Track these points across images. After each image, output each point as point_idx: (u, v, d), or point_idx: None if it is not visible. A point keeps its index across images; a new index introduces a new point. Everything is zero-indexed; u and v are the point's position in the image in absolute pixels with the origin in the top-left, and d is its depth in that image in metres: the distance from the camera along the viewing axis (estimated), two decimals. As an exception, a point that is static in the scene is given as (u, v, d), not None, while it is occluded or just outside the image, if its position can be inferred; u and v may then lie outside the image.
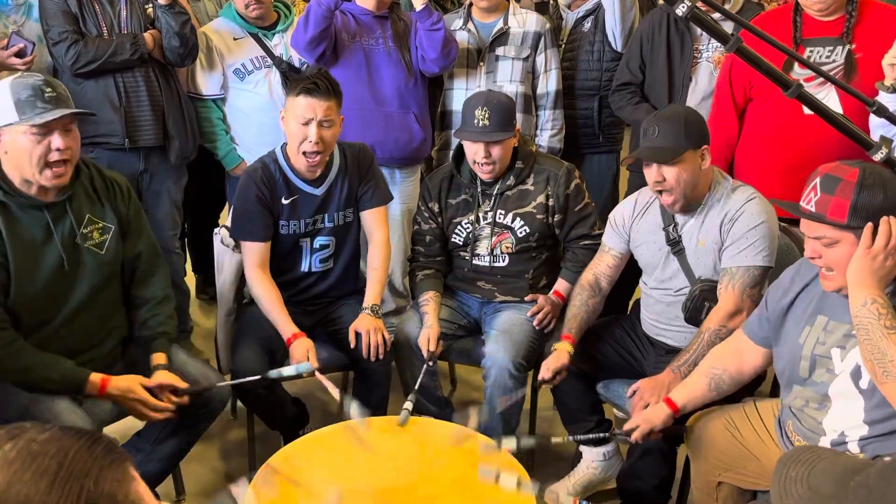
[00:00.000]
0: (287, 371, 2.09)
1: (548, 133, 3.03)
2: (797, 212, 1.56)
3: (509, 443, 1.81)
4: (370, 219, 2.45)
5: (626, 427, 1.89)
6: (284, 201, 2.35)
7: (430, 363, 2.31)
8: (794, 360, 1.67)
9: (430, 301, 2.42)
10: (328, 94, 2.21)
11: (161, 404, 1.93)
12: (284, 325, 2.27)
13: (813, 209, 1.52)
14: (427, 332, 2.32)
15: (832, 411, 1.61)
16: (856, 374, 1.56)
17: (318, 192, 2.37)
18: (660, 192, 2.04)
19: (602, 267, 2.29)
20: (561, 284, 2.44)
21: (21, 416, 1.87)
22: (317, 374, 2.16)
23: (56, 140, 1.79)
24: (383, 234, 2.46)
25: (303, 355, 2.19)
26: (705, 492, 1.88)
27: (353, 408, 1.91)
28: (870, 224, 1.46)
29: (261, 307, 2.31)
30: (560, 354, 2.16)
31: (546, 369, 2.14)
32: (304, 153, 2.26)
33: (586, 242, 2.43)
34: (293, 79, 2.27)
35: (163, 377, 1.98)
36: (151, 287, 2.12)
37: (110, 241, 2.00)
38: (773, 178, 2.41)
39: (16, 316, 1.86)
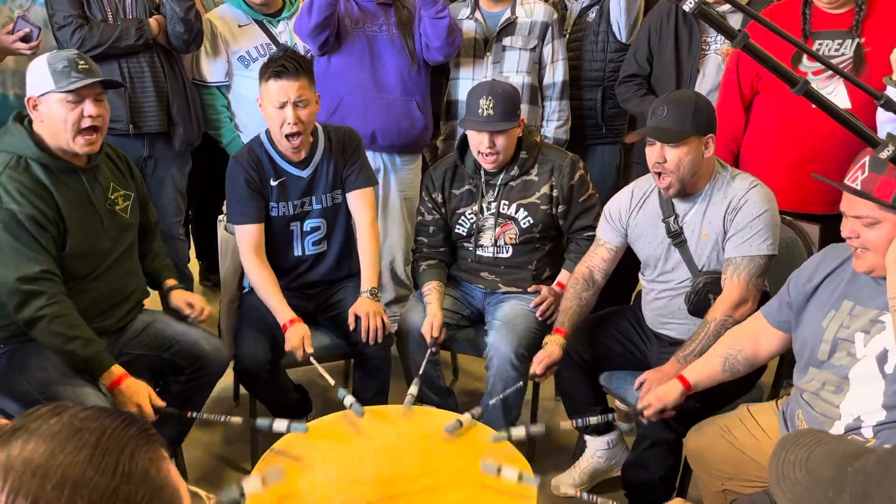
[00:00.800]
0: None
1: (554, 124, 3.02)
2: (841, 186, 1.54)
3: (517, 431, 1.81)
4: (354, 201, 2.44)
5: (639, 405, 1.89)
6: (273, 183, 2.36)
7: (433, 349, 2.31)
8: (814, 344, 1.66)
9: (433, 291, 2.42)
10: (297, 74, 2.21)
11: (152, 414, 1.96)
12: (281, 310, 2.27)
13: (859, 187, 1.51)
14: (430, 320, 2.32)
15: (850, 395, 1.60)
16: (882, 359, 1.55)
17: (304, 174, 2.38)
18: (658, 173, 2.03)
19: (596, 260, 2.28)
20: (564, 276, 2.43)
21: (40, 389, 1.91)
22: (311, 360, 2.18)
23: (88, 107, 1.92)
24: (368, 216, 2.45)
25: (298, 341, 2.20)
26: None
27: (347, 399, 1.93)
28: None
29: (257, 293, 2.32)
30: (551, 348, 2.16)
31: (537, 363, 2.14)
32: (286, 136, 2.26)
33: (590, 234, 2.42)
34: (262, 66, 2.28)
35: (178, 295, 2.28)
36: (154, 246, 2.36)
37: (132, 207, 2.17)
38: (780, 172, 2.40)
39: (61, 270, 1.95)
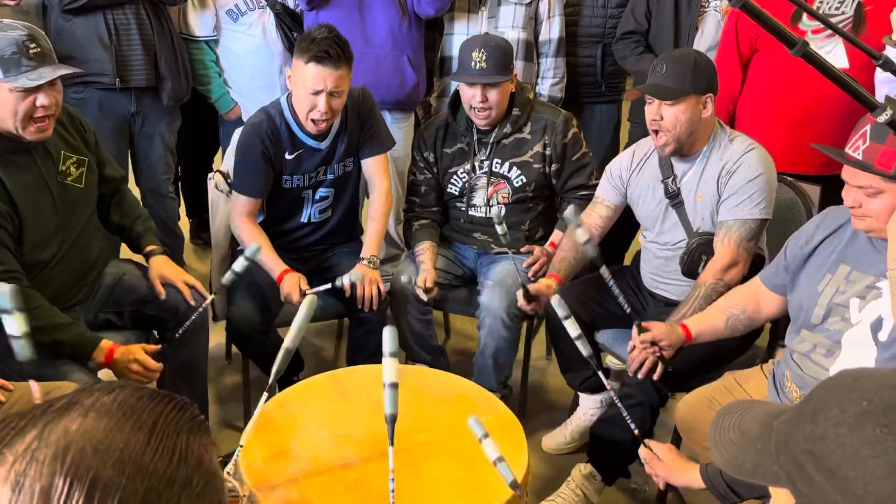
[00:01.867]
0: (237, 265, 1.92)
1: (549, 81, 2.97)
2: (842, 158, 1.52)
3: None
4: (371, 167, 2.41)
5: (640, 339, 1.89)
6: (288, 157, 2.30)
7: (423, 305, 2.31)
8: (809, 306, 1.66)
9: (426, 250, 2.41)
10: (339, 62, 2.10)
11: (155, 364, 1.93)
12: (274, 264, 2.25)
13: (860, 157, 1.48)
14: (424, 275, 2.31)
15: (841, 359, 1.61)
16: (876, 326, 1.55)
17: (323, 146, 2.33)
18: (655, 131, 2.02)
19: (594, 217, 2.27)
20: (557, 236, 2.42)
21: (24, 377, 1.88)
22: (309, 292, 2.16)
23: (41, 98, 1.77)
24: (385, 183, 2.42)
25: (294, 287, 2.19)
26: None
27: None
28: None
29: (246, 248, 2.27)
30: (547, 288, 2.17)
31: (532, 288, 2.15)
32: (311, 120, 2.20)
33: (583, 193, 2.41)
34: (304, 39, 2.14)
35: (161, 267, 2.12)
36: (130, 206, 2.22)
37: (86, 173, 2.02)
38: (777, 132, 2.38)
39: (22, 262, 1.85)
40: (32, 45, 1.74)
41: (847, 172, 1.54)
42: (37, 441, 0.57)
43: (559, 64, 2.97)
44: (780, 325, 2.16)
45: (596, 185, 2.37)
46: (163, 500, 0.57)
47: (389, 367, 1.46)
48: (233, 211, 2.34)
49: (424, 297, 2.30)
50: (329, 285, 2.16)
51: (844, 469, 0.59)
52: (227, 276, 1.94)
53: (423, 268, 2.35)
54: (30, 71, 1.74)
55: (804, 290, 1.69)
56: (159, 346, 1.96)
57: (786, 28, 1.46)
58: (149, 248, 2.17)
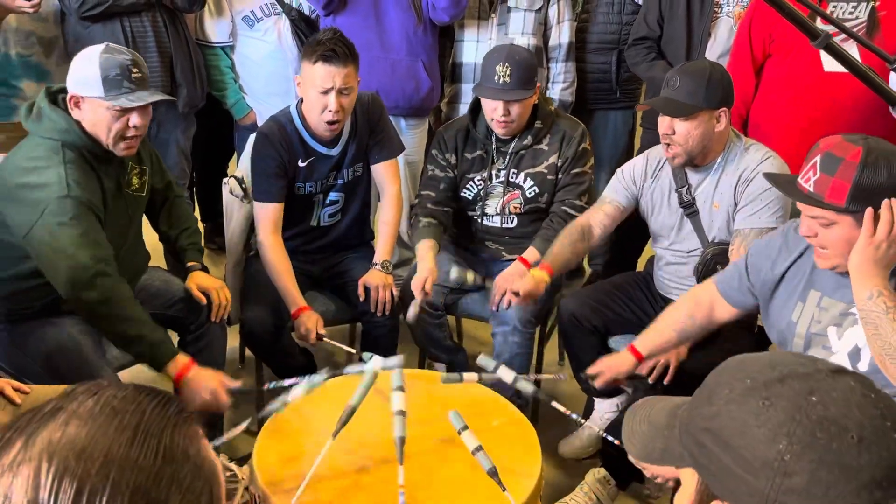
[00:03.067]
0: (298, 386, 1.82)
1: (559, 86, 2.98)
2: (795, 191, 1.52)
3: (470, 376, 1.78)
4: (381, 172, 2.42)
5: (590, 371, 1.90)
6: (301, 164, 2.32)
7: (436, 310, 2.30)
8: (788, 337, 1.65)
9: (428, 250, 2.35)
10: (346, 60, 2.14)
11: (226, 399, 1.94)
12: (292, 297, 2.25)
13: (811, 189, 1.47)
14: (423, 275, 2.25)
15: None
16: (854, 356, 1.54)
17: (334, 152, 2.34)
18: (667, 143, 2.02)
19: (599, 215, 2.24)
20: (530, 253, 2.35)
21: (45, 362, 1.90)
22: (325, 340, 2.19)
23: (134, 118, 1.88)
24: (395, 188, 2.43)
25: (311, 329, 2.19)
26: None
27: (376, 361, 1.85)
28: (870, 209, 1.40)
29: (270, 275, 2.29)
30: (537, 282, 2.14)
31: (522, 286, 2.12)
32: (325, 121, 2.22)
33: (566, 210, 2.35)
34: (308, 43, 2.20)
35: (200, 277, 2.19)
36: (179, 218, 2.30)
37: (147, 184, 2.13)
38: (792, 136, 2.37)
39: None
40: (135, 70, 1.87)
41: (801, 203, 1.52)
42: (22, 453, 0.58)
43: (569, 68, 2.97)
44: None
45: (583, 207, 2.34)
46: (151, 497, 0.58)
47: (398, 398, 1.52)
48: (257, 226, 2.34)
49: (420, 298, 2.24)
50: (345, 347, 2.17)
51: (735, 439, 0.67)
52: (275, 407, 1.74)
53: (423, 266, 2.29)
54: (129, 93, 1.85)
55: (780, 322, 1.67)
56: (239, 383, 1.97)
57: (808, 20, 1.45)
58: (190, 264, 2.24)
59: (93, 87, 1.84)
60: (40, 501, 0.55)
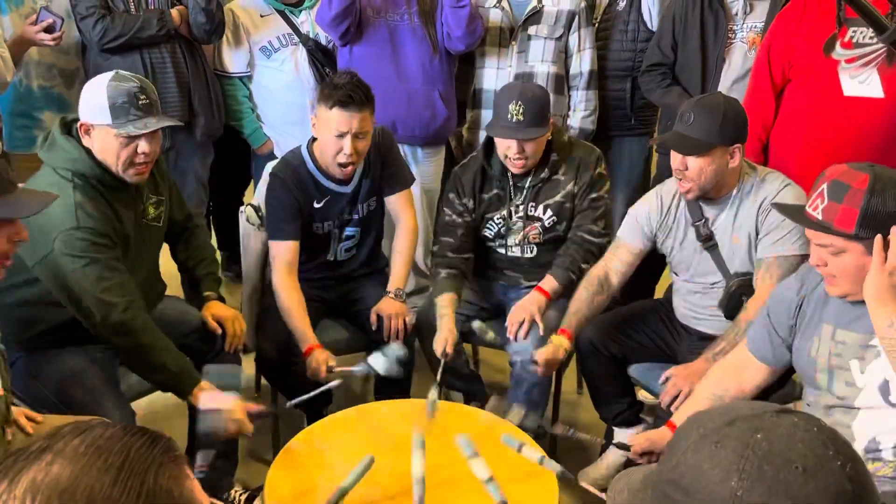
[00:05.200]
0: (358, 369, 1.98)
1: (580, 114, 2.96)
2: (803, 219, 1.50)
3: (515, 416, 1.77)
4: (395, 203, 2.43)
5: (631, 443, 1.84)
6: (317, 205, 2.32)
7: (447, 357, 2.28)
8: (810, 373, 1.61)
9: (448, 304, 2.33)
10: (363, 105, 2.15)
11: (250, 427, 1.92)
12: (304, 336, 2.23)
13: (820, 216, 1.45)
14: (444, 335, 2.24)
15: (860, 419, 1.54)
16: (884, 389, 1.50)
17: (348, 189, 2.35)
18: (679, 178, 2.00)
19: (615, 262, 2.20)
20: (548, 282, 2.32)
21: (57, 392, 1.90)
22: (337, 370, 2.16)
23: (142, 145, 1.88)
24: (410, 218, 2.43)
25: (322, 364, 2.16)
26: None
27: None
28: (879, 237, 1.38)
29: (283, 314, 2.27)
30: (556, 349, 2.12)
31: (540, 356, 2.10)
32: (338, 164, 2.22)
33: (583, 236, 2.33)
34: (326, 86, 2.21)
35: (215, 307, 2.18)
36: (197, 248, 2.31)
37: (164, 215, 2.12)
38: (813, 161, 2.33)
39: None
40: (142, 97, 1.87)
41: (809, 232, 1.50)
42: (6, 494, 0.58)
43: (591, 97, 2.96)
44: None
45: (601, 233, 2.32)
46: None
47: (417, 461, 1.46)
48: (273, 264, 2.33)
49: (444, 358, 2.23)
50: (357, 368, 2.14)
51: (694, 484, 0.71)
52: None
53: (443, 325, 2.27)
54: (136, 120, 1.85)
55: (801, 359, 1.63)
56: (263, 407, 1.96)
57: (878, 13, 1.41)
58: (206, 294, 2.24)
59: (101, 115, 1.85)
60: None
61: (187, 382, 1.89)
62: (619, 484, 0.88)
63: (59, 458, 0.60)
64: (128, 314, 1.83)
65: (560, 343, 2.14)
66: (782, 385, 2.03)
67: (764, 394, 1.96)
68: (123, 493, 0.59)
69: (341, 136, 2.16)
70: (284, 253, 2.30)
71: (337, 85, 2.16)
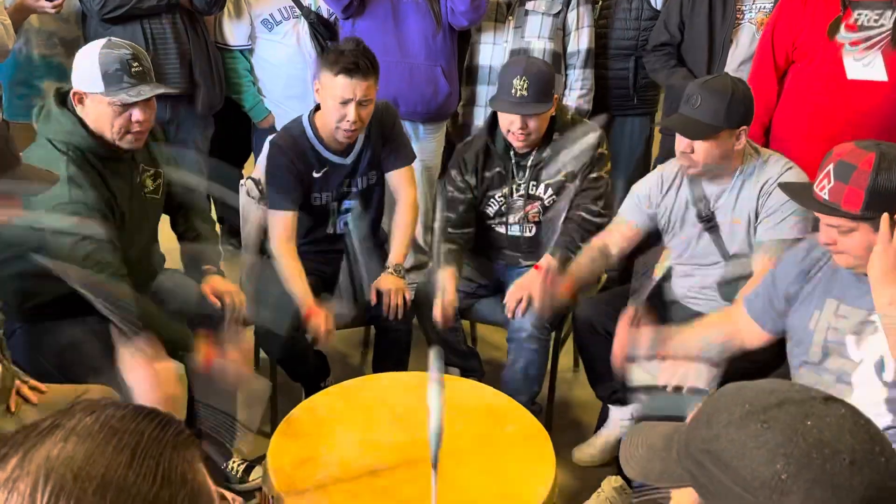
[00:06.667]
0: None
1: (576, 93, 2.96)
2: (811, 201, 1.51)
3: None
4: (396, 179, 2.42)
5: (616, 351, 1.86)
6: (316, 175, 2.32)
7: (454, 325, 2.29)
8: (805, 345, 1.63)
9: (450, 279, 2.34)
10: (368, 73, 2.14)
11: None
12: (304, 298, 2.23)
13: (827, 197, 1.47)
14: (443, 300, 2.26)
15: (854, 395, 1.56)
16: (879, 367, 1.52)
17: (348, 161, 2.35)
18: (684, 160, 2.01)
19: (615, 236, 2.22)
20: (546, 260, 2.32)
21: (57, 361, 1.91)
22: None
23: (136, 113, 1.86)
24: (411, 194, 2.43)
25: (321, 325, 2.17)
26: None
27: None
28: (886, 215, 1.40)
29: (282, 280, 2.28)
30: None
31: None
32: (343, 131, 2.22)
33: (582, 215, 2.34)
34: (331, 51, 2.20)
35: (215, 281, 2.15)
36: (201, 217, 2.28)
37: (162, 185, 2.10)
38: (815, 144, 2.34)
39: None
40: (135, 64, 1.84)
41: (818, 212, 1.52)
42: (18, 469, 0.57)
43: (587, 76, 2.95)
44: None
45: (600, 213, 2.33)
46: None
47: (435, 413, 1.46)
48: (272, 234, 2.33)
49: (443, 325, 2.26)
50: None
51: (735, 460, 0.71)
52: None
53: (443, 293, 2.29)
54: (129, 88, 1.83)
55: (797, 331, 1.65)
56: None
57: None
58: (206, 268, 2.22)
59: (94, 83, 1.82)
60: None
61: (182, 342, 1.85)
62: (634, 438, 0.88)
63: (73, 436, 0.59)
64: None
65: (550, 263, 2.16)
66: (780, 364, 2.06)
67: (761, 373, 1.99)
68: (139, 475, 0.58)
69: (345, 103, 2.16)
70: (283, 221, 2.30)
71: (342, 51, 2.15)
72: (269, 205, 2.35)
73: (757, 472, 0.69)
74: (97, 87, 1.83)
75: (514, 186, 2.39)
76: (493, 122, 2.38)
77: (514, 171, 2.38)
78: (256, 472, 2.24)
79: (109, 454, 0.58)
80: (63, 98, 1.91)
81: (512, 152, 2.36)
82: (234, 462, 2.27)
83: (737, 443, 0.71)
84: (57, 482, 0.56)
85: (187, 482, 0.61)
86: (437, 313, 2.26)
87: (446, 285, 2.31)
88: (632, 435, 0.89)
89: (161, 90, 1.91)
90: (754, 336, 1.77)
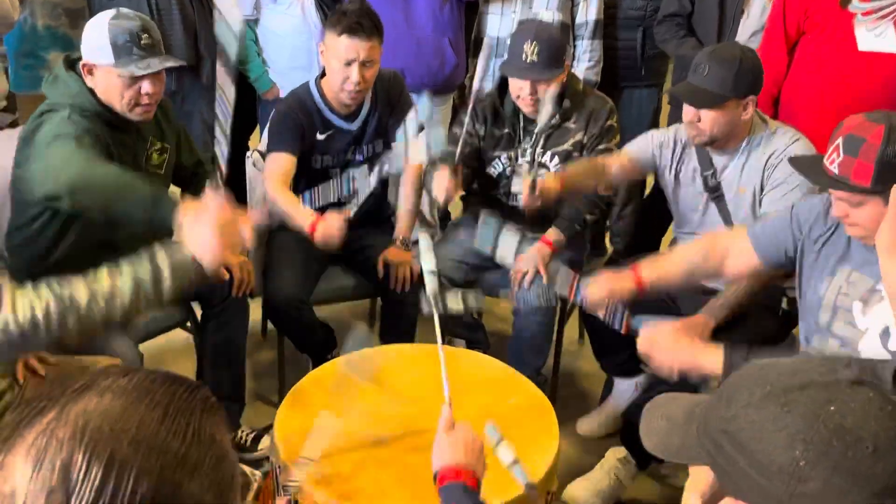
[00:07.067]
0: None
1: (584, 65, 2.93)
2: (821, 176, 1.50)
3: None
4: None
5: (590, 288, 1.83)
6: (320, 136, 2.31)
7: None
8: (813, 309, 1.64)
9: (444, 172, 2.15)
10: (371, 33, 2.14)
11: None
12: (302, 216, 2.13)
13: (836, 171, 1.46)
14: (443, 184, 2.10)
15: None
16: (884, 336, 1.53)
17: (353, 126, 2.34)
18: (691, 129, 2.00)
19: (614, 162, 2.20)
20: (553, 234, 2.31)
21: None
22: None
23: (146, 86, 1.85)
24: (417, 167, 2.42)
25: (332, 228, 2.07)
26: None
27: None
28: (895, 188, 1.40)
29: (279, 206, 2.19)
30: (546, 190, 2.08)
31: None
32: (346, 91, 2.21)
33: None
34: (335, 12, 2.19)
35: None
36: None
37: (167, 162, 2.09)
38: (824, 116, 2.32)
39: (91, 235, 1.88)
40: (144, 36, 1.83)
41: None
42: (55, 420, 0.59)
43: (595, 47, 2.92)
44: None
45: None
46: (176, 477, 0.59)
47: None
48: (266, 175, 2.30)
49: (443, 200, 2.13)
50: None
51: (753, 443, 0.69)
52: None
53: (443, 174, 2.11)
54: (139, 60, 1.82)
55: (809, 295, 1.65)
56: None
57: None
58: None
59: (103, 55, 1.81)
60: (73, 464, 0.56)
61: (164, 207, 1.64)
62: (656, 409, 0.87)
63: (108, 393, 0.62)
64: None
65: (552, 187, 2.10)
66: (785, 337, 2.06)
67: (766, 343, 1.99)
68: (170, 432, 0.60)
69: (349, 63, 2.15)
70: (280, 160, 2.26)
71: (346, 12, 2.14)
72: (268, 148, 2.34)
73: (774, 457, 0.67)
74: (107, 59, 1.82)
75: (521, 150, 2.38)
76: (503, 84, 2.36)
77: (522, 135, 2.37)
78: (264, 442, 2.27)
79: (143, 411, 0.61)
80: (72, 64, 1.90)
81: (521, 116, 2.35)
82: (242, 431, 2.30)
83: (756, 425, 0.69)
84: (95, 432, 0.58)
85: (215, 443, 0.63)
86: (438, 193, 2.11)
87: (443, 176, 2.12)
88: (653, 407, 0.88)
89: (170, 63, 1.91)
90: (742, 260, 1.74)
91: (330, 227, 2.07)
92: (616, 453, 2.08)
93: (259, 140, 2.69)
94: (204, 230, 1.39)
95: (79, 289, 1.31)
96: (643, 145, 2.20)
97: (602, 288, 1.82)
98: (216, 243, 1.39)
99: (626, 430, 2.10)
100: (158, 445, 0.59)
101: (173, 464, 0.59)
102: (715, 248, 1.79)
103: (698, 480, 0.77)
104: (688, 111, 1.97)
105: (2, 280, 1.31)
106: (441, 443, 1.19)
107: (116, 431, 0.58)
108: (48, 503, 0.55)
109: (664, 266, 1.82)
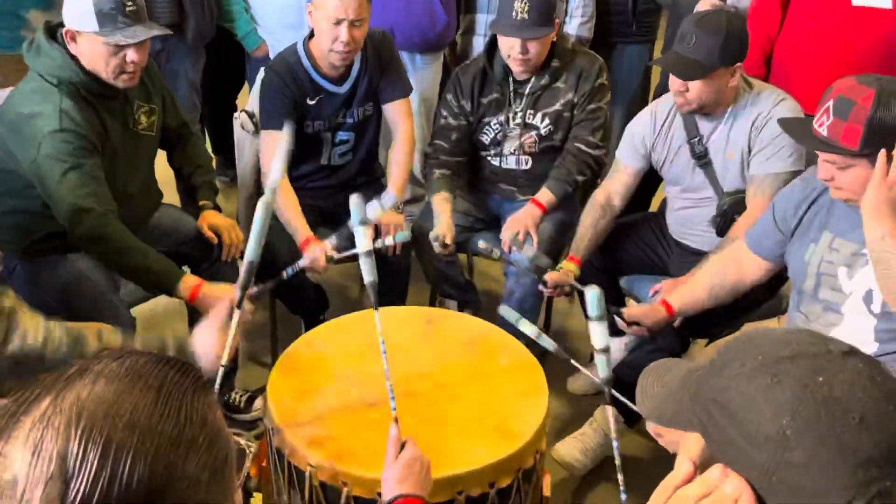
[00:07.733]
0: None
1: (577, 20, 2.89)
2: (809, 138, 1.50)
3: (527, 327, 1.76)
4: (393, 111, 2.39)
5: (627, 314, 1.91)
6: (310, 101, 2.29)
7: (447, 254, 2.30)
8: (801, 278, 1.66)
9: (444, 202, 2.34)
10: None
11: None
12: (299, 228, 2.23)
13: (825, 133, 1.47)
14: (441, 230, 2.26)
15: (843, 325, 1.61)
16: (867, 299, 1.55)
17: (343, 89, 2.31)
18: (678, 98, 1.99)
19: (616, 185, 2.22)
20: (544, 195, 2.32)
21: (60, 297, 1.93)
22: (334, 256, 2.08)
23: (131, 54, 1.85)
24: (407, 127, 2.40)
25: (320, 254, 2.11)
26: None
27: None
28: (883, 151, 1.40)
29: (276, 209, 2.23)
30: (566, 274, 2.14)
31: (550, 279, 2.12)
32: (335, 52, 2.18)
33: (580, 147, 2.32)
34: None
35: (211, 216, 2.18)
36: (192, 156, 2.28)
37: (157, 124, 2.09)
38: (821, 76, 2.29)
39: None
40: (129, 3, 1.82)
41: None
42: (51, 408, 0.60)
43: (588, 2, 2.88)
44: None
45: (597, 145, 2.31)
46: (171, 458, 0.61)
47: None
48: (263, 157, 2.31)
49: (443, 251, 2.26)
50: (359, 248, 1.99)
51: (742, 413, 0.70)
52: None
53: (441, 220, 2.30)
54: (124, 28, 1.81)
55: (794, 262, 1.68)
56: (257, 288, 1.82)
57: None
58: (202, 203, 2.23)
59: (87, 22, 1.79)
60: (69, 452, 0.58)
61: (171, 278, 1.87)
62: (652, 375, 0.88)
63: (101, 378, 0.63)
64: (101, 221, 1.82)
65: (569, 268, 2.16)
66: (771, 296, 2.08)
67: (752, 303, 2.01)
68: (164, 415, 0.62)
69: (338, 23, 2.12)
70: (275, 139, 2.26)
71: None
72: (262, 125, 2.33)
73: (762, 427, 0.68)
74: (91, 26, 1.80)
75: (511, 114, 2.36)
76: (492, 46, 2.33)
77: (512, 98, 2.35)
78: (258, 403, 2.30)
79: (136, 395, 0.62)
80: (53, 32, 1.87)
81: (511, 78, 2.32)
82: (235, 393, 2.33)
83: (745, 395, 0.70)
84: (89, 418, 0.59)
85: (207, 423, 0.65)
86: (433, 237, 2.24)
87: (443, 213, 2.30)
88: (650, 371, 0.89)
89: (156, 32, 1.89)
90: (754, 269, 1.80)
91: (318, 260, 2.09)
92: (605, 411, 2.11)
93: (248, 99, 2.65)
94: (211, 336, 1.54)
95: (90, 343, 1.46)
96: (629, 148, 2.19)
97: (643, 319, 1.91)
98: (219, 350, 1.53)
99: (615, 387, 2.13)
100: (152, 429, 0.61)
101: (168, 446, 0.61)
102: (728, 263, 1.84)
103: (691, 447, 0.78)
104: (674, 81, 1.95)
105: (15, 304, 1.44)
106: (391, 472, 1.24)
107: (111, 417, 0.60)
108: (47, 491, 0.57)
109: (689, 292, 1.89)
